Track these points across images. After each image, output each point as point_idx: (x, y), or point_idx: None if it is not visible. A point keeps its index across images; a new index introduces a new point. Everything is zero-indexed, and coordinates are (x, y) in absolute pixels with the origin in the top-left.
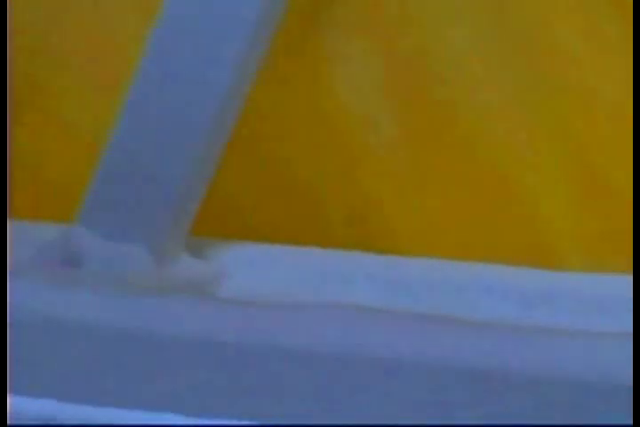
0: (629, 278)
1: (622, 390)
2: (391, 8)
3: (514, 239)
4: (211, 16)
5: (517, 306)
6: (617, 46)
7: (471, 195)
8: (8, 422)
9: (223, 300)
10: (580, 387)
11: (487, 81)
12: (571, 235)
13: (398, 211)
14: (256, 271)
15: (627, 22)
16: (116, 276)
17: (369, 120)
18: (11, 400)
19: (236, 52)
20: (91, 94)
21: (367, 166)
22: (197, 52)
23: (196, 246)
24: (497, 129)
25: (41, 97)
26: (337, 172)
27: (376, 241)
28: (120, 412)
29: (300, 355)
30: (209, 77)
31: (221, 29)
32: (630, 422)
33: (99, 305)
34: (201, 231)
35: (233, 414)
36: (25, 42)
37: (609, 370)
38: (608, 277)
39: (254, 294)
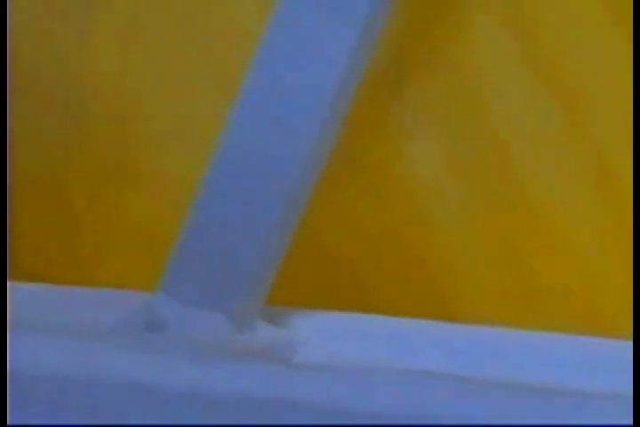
0: None
1: None
2: (460, 92)
3: (575, 306)
4: (288, 88)
5: (579, 374)
6: None
7: (537, 264)
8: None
9: (297, 364)
10: None
11: (554, 156)
12: (627, 301)
13: (465, 279)
14: (329, 338)
15: None
16: (196, 341)
17: (436, 195)
18: None
19: (314, 126)
20: (174, 167)
21: (434, 238)
22: (275, 126)
23: (271, 314)
24: (566, 205)
25: (133, 165)
26: (404, 244)
27: (445, 309)
28: None
29: (372, 419)
30: (287, 151)
31: (299, 102)
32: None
33: (180, 369)
34: (276, 299)
35: None
36: (111, 126)
37: None
38: None
39: (328, 360)
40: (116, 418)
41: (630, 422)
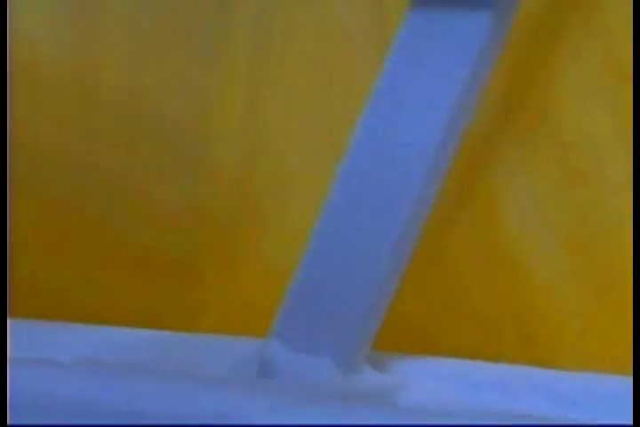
0: None
1: None
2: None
3: None
4: (393, 146)
5: None
6: None
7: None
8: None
9: (402, 408)
10: None
11: None
12: None
13: (563, 327)
14: (432, 383)
15: None
16: (306, 385)
17: (534, 246)
18: None
19: (417, 182)
20: (287, 218)
21: (534, 289)
22: (381, 182)
23: (377, 360)
24: None
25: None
26: (506, 293)
27: (541, 355)
28: None
29: None
30: (392, 206)
31: (403, 160)
32: None
33: (291, 411)
34: (382, 346)
35: None
36: (228, 183)
37: None
38: None
39: (431, 403)
40: None
41: None
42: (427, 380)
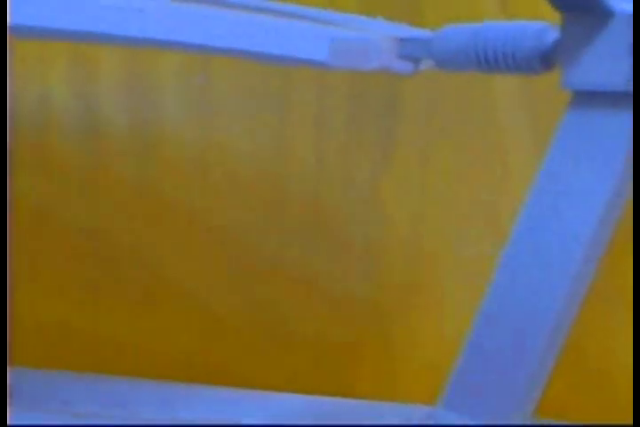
0: None
1: None
2: None
3: None
4: (552, 234)
5: None
6: None
7: None
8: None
9: None
10: None
11: None
12: None
13: None
14: None
15: None
16: None
17: None
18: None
19: (575, 266)
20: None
21: None
22: (540, 267)
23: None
24: None
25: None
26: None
27: None
28: None
29: None
30: (550, 288)
31: (561, 247)
32: None
33: None
34: (543, 413)
35: None
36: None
37: None
38: None
39: None
40: None
41: None
42: None
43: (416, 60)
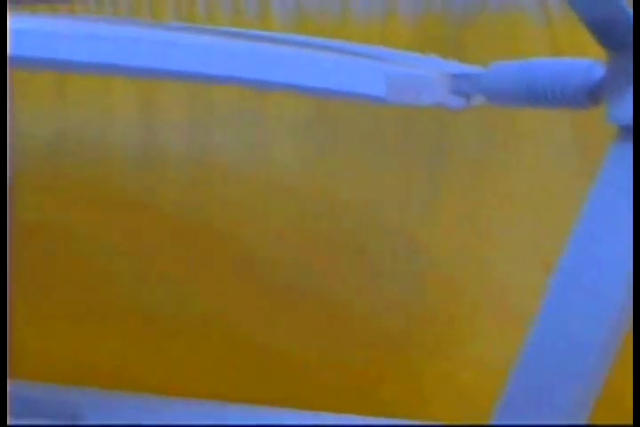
0: None
1: None
2: None
3: None
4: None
5: None
6: None
7: None
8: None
9: None
10: None
11: None
12: None
13: None
14: None
15: None
16: None
17: None
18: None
19: (617, 303)
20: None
21: None
22: (586, 302)
23: None
24: None
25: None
26: None
27: None
28: None
29: None
30: (595, 322)
31: (605, 281)
32: None
33: None
34: None
35: None
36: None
37: None
38: None
39: None
40: None
41: None
42: None
43: (467, 96)
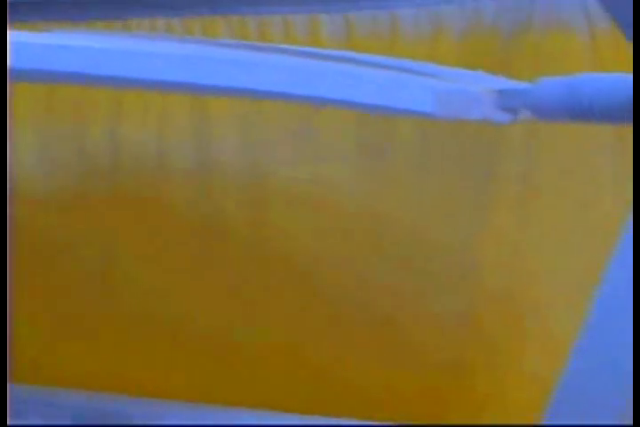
0: None
1: None
2: None
3: None
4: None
5: None
6: None
7: None
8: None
9: None
10: None
11: None
12: None
13: None
14: None
15: None
16: None
17: None
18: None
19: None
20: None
21: None
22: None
23: None
24: None
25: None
26: None
27: None
28: None
29: None
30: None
31: None
32: None
33: None
34: None
35: None
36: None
37: None
38: None
39: None
40: None
41: None
42: None
43: (514, 111)
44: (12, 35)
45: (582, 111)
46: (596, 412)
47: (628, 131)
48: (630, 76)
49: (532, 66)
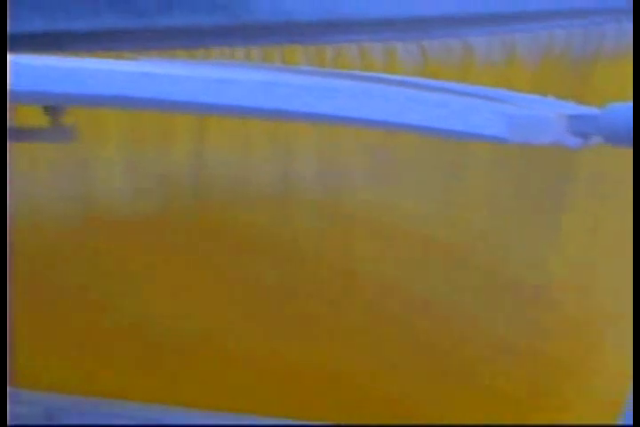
0: None
1: None
2: None
3: None
4: None
5: None
6: None
7: None
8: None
9: None
10: None
11: None
12: None
13: None
14: None
15: None
16: None
17: None
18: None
19: None
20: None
21: None
22: None
23: None
24: None
25: None
26: None
27: None
28: None
29: None
30: None
31: None
32: None
33: None
34: None
35: None
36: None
37: None
38: None
39: None
40: None
41: None
42: None
43: (585, 136)
44: (98, 62)
45: None
46: None
47: None
48: None
49: (602, 91)
